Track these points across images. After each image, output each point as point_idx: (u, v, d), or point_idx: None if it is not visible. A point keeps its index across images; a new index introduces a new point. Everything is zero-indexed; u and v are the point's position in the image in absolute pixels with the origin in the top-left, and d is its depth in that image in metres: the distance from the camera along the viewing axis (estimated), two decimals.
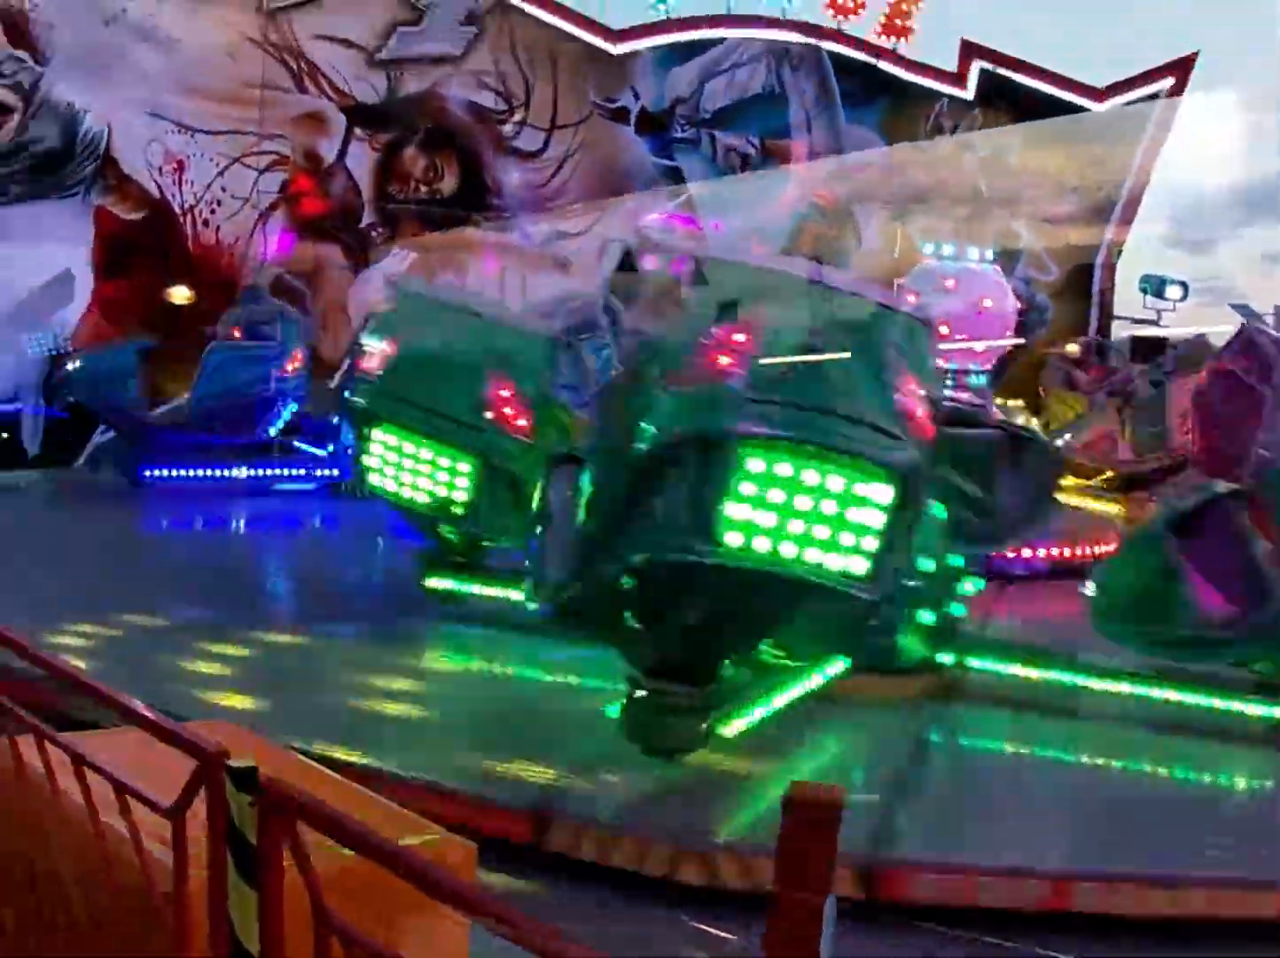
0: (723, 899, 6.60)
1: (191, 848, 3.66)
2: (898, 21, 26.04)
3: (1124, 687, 9.69)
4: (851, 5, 25.70)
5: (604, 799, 7.66)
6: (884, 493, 7.13)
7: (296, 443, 18.94)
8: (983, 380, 18.67)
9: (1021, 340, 19.63)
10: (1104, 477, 18.22)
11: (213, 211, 22.31)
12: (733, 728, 8.24)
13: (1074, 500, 16.33)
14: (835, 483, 7.16)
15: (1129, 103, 26.25)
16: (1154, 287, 23.35)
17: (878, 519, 7.12)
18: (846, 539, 7.22)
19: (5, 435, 19.78)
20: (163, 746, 3.81)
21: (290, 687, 9.77)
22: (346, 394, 11.44)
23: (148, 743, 3.93)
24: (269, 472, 18.94)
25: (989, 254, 19.50)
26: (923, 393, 7.82)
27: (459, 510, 10.91)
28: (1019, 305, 19.21)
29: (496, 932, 2.74)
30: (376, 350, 10.81)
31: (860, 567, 7.27)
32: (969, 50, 26.04)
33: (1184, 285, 23.60)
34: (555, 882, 6.84)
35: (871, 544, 7.17)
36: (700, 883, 6.80)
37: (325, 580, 13.66)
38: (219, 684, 9.91)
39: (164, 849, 3.80)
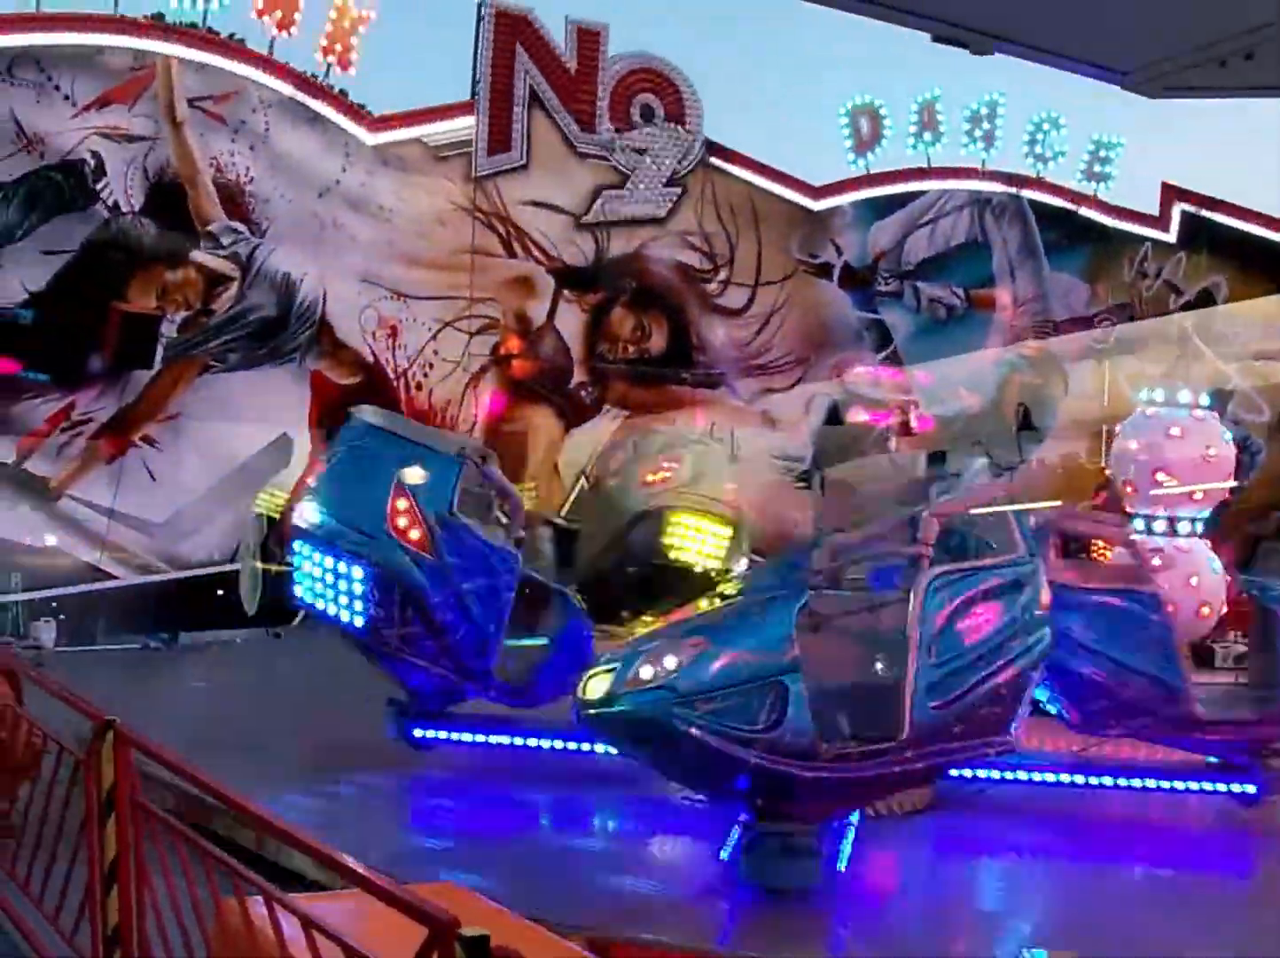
0: None
1: None
2: (1097, 167, 25.84)
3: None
4: (1049, 153, 25.49)
5: None
6: None
7: None
8: (1198, 527, 18.19)
9: (1235, 483, 18.91)
10: None
11: (425, 374, 21.67)
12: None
13: None
14: None
15: None
16: None
17: None
18: None
19: (221, 593, 19.32)
20: (392, 911, 3.90)
21: None
22: None
23: (375, 905, 4.06)
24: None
25: (1204, 398, 18.86)
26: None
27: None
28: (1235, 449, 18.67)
29: None
30: None
31: None
32: (1170, 193, 26.24)
33: None
34: None
35: None
36: None
37: None
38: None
39: None
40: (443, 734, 11.68)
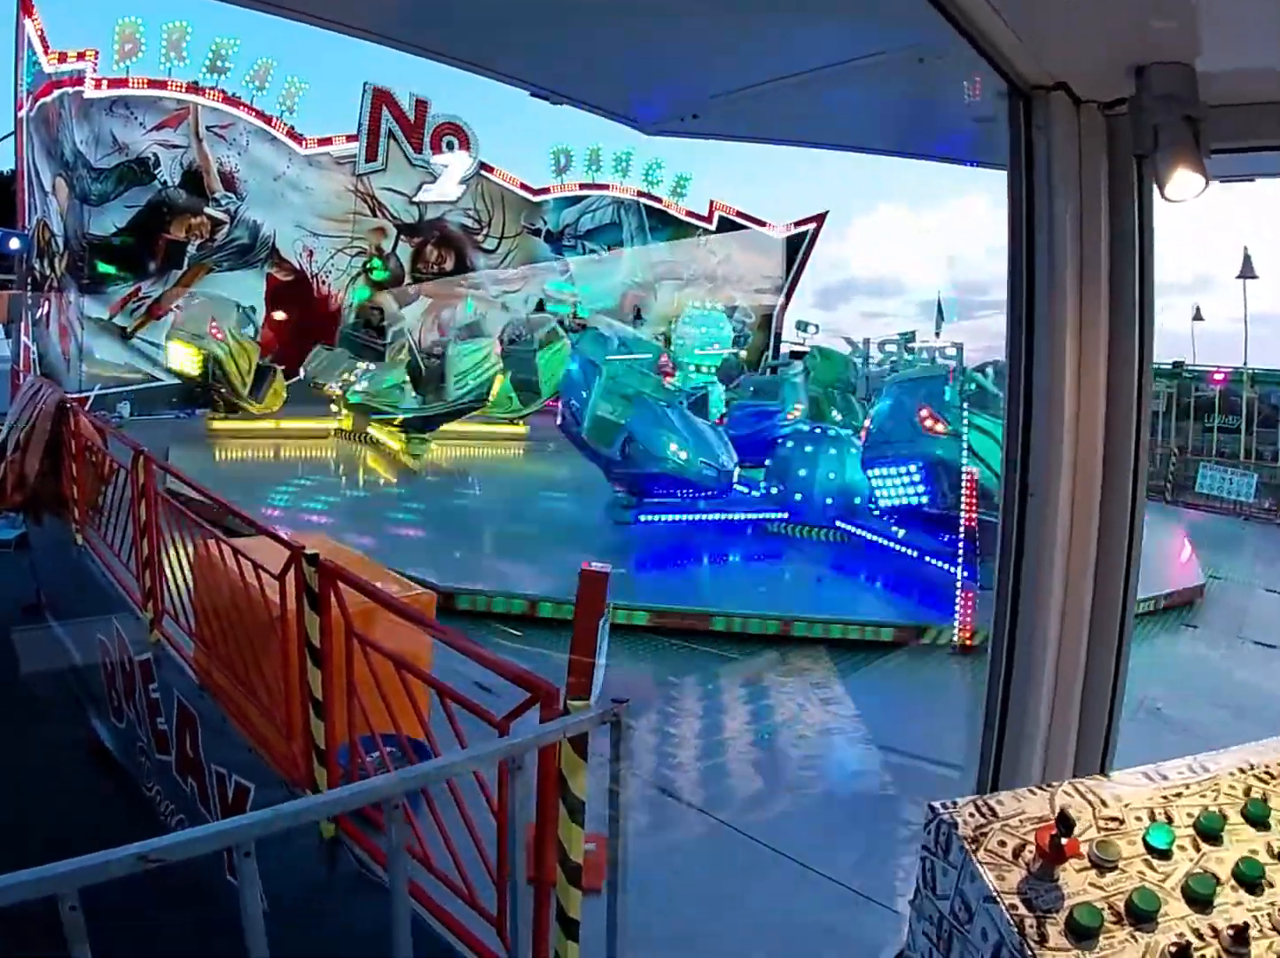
0: None
1: (289, 594, 4.94)
2: (678, 188, 30.97)
3: None
4: (653, 179, 30.73)
5: None
6: None
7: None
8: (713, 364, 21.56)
9: (735, 349, 23.56)
10: None
11: (327, 275, 26.43)
12: None
13: None
14: None
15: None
16: (803, 326, 27.81)
17: None
18: None
19: (197, 390, 22.18)
20: (277, 545, 5.18)
21: None
22: None
23: (273, 544, 5.38)
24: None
25: (721, 308, 23.62)
26: None
27: None
28: (734, 334, 23.53)
29: (446, 642, 4.06)
30: None
31: None
32: (712, 204, 31.36)
33: (817, 326, 27.66)
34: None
35: None
36: None
37: None
38: None
39: (275, 594, 5.17)
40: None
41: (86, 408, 13.34)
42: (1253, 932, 2.00)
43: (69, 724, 9.98)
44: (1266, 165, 3.72)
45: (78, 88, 21.76)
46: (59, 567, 11.23)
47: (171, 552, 7.15)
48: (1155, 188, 2.85)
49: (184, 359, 19.87)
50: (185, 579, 6.92)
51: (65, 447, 10.90)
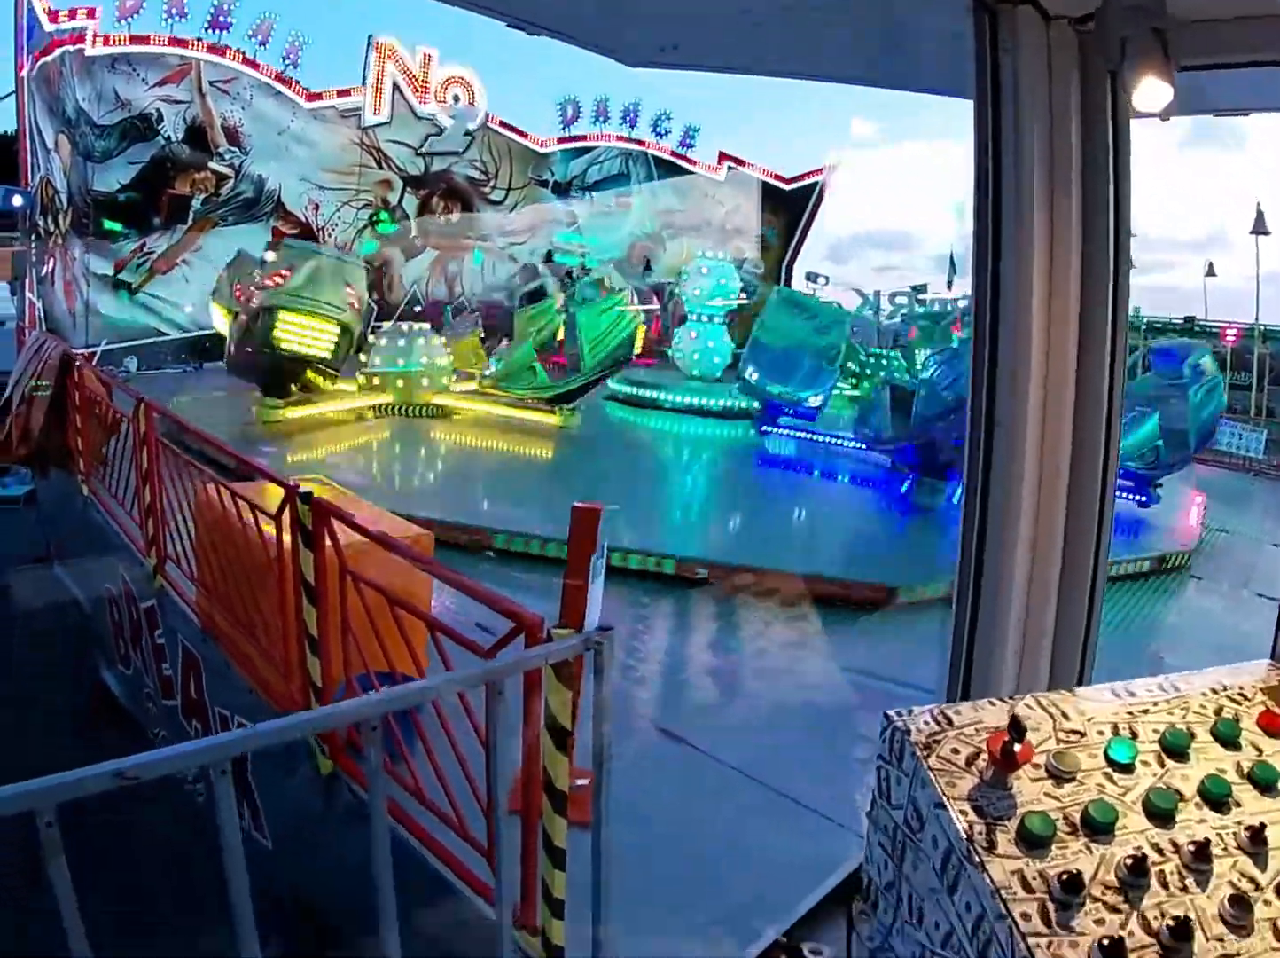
0: None
1: (284, 532, 5.09)
2: (687, 139, 31.25)
3: None
4: (663, 130, 31.05)
5: None
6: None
7: None
8: (719, 314, 22.33)
9: (743, 300, 23.05)
10: None
11: (334, 228, 26.56)
12: None
13: None
14: None
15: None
16: (812, 277, 27.62)
17: None
18: None
19: (208, 345, 22.51)
20: (274, 486, 5.36)
21: None
22: None
23: (270, 486, 5.54)
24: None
25: (729, 256, 23.93)
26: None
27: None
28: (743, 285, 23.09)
29: (436, 575, 4.20)
30: None
31: None
32: (722, 155, 31.80)
33: (826, 277, 27.58)
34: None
35: None
36: None
37: None
38: None
39: (271, 533, 5.32)
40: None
41: (94, 363, 13.74)
42: (1215, 849, 1.99)
43: (77, 671, 10.31)
44: (1255, 98, 3.67)
45: (79, 45, 21.67)
46: (66, 518, 11.35)
47: (172, 497, 7.22)
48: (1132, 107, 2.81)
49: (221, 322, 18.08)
50: (187, 524, 6.98)
51: (70, 400, 11.01)
